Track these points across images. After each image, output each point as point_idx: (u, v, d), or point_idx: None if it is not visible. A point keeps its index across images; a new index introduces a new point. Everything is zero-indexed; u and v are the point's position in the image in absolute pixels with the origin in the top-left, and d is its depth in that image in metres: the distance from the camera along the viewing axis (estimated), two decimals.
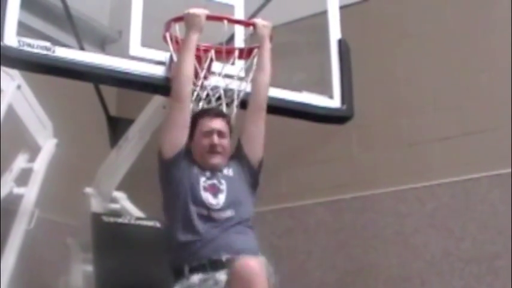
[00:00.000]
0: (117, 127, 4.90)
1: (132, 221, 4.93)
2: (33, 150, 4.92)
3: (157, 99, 4.38)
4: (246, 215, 3.29)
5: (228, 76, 3.78)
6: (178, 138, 3.25)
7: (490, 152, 5.20)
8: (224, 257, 3.09)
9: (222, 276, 3.05)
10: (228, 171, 3.35)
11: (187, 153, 3.32)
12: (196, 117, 3.41)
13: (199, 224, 3.17)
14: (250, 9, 4.31)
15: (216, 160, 3.33)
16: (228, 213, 3.22)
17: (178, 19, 3.57)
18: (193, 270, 3.10)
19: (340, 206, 5.70)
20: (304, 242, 5.73)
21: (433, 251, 5.26)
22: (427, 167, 5.45)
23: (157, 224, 4.93)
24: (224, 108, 3.70)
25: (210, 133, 3.34)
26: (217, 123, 3.38)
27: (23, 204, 4.65)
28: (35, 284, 5.53)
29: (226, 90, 3.74)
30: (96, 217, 4.85)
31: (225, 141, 3.37)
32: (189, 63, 3.32)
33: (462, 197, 5.25)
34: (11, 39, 3.52)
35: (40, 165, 4.85)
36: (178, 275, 3.15)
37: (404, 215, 5.44)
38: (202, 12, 3.42)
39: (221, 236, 3.16)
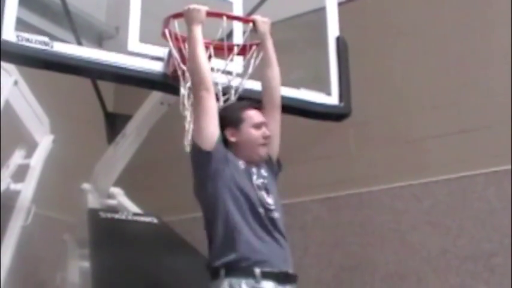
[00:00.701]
0: (114, 123, 4.90)
1: (129, 217, 4.92)
2: (30, 146, 4.92)
3: (155, 95, 4.38)
4: (283, 217, 3.27)
5: (227, 72, 3.77)
6: (213, 127, 3.16)
7: (486, 150, 5.21)
8: (289, 271, 3.13)
9: None
10: (265, 172, 3.29)
11: (227, 149, 3.24)
12: (239, 111, 3.33)
13: (267, 225, 3.13)
14: (249, 6, 4.30)
15: (266, 151, 3.30)
16: (276, 214, 3.18)
17: (177, 15, 3.57)
18: (265, 275, 3.03)
19: (337, 203, 5.71)
20: (301, 239, 5.73)
21: (429, 248, 5.27)
22: (424, 164, 5.46)
23: (154, 220, 4.94)
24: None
25: (260, 125, 3.29)
26: (263, 116, 3.34)
27: (20, 200, 4.65)
28: (31, 279, 5.54)
29: (224, 87, 3.73)
30: (93, 213, 4.85)
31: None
32: (203, 53, 3.28)
33: (459, 194, 5.26)
34: (10, 34, 3.52)
35: (37, 161, 4.85)
36: (243, 273, 3.03)
37: (401, 212, 5.45)
38: (202, 7, 3.42)
39: (281, 245, 3.15)
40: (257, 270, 3.02)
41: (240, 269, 3.04)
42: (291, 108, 4.07)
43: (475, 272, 5.07)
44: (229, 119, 3.27)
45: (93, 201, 5.07)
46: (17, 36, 3.54)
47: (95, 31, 6.64)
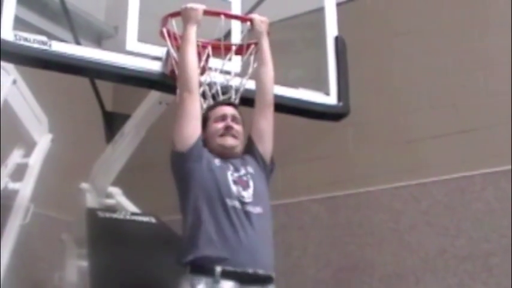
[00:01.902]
0: (113, 122, 4.90)
1: (128, 217, 4.92)
2: (29, 146, 4.92)
3: (154, 95, 4.38)
4: (269, 214, 3.27)
5: (226, 72, 3.77)
6: (192, 129, 3.20)
7: (485, 150, 5.21)
8: (259, 271, 3.07)
9: None
10: (250, 169, 3.30)
11: (205, 147, 3.27)
12: (207, 111, 3.42)
13: (235, 221, 3.10)
14: (247, 5, 4.30)
15: (231, 141, 3.30)
16: (257, 209, 3.18)
17: (175, 14, 3.57)
18: (225, 275, 3.00)
19: (336, 203, 5.71)
20: (299, 239, 5.74)
21: (427, 248, 5.27)
22: (422, 164, 5.46)
23: (153, 220, 4.93)
24: None
25: (223, 117, 3.33)
26: (230, 109, 3.39)
27: (18, 199, 4.65)
28: (29, 278, 5.54)
29: (223, 86, 3.73)
30: (92, 212, 4.84)
31: (240, 127, 3.36)
32: (192, 54, 3.31)
33: (457, 194, 5.26)
34: (8, 33, 3.51)
35: (35, 160, 4.85)
36: (203, 272, 3.02)
37: (399, 212, 5.45)
38: (199, 6, 3.43)
39: (254, 243, 3.09)
40: (218, 269, 3.00)
41: (201, 267, 3.03)
42: (289, 107, 4.07)
43: (473, 272, 5.07)
44: (202, 120, 3.31)
45: (91, 200, 5.06)
46: (15, 36, 3.53)
47: (94, 30, 6.63)
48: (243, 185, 3.21)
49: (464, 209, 5.21)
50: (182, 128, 3.21)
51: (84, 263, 4.79)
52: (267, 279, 3.12)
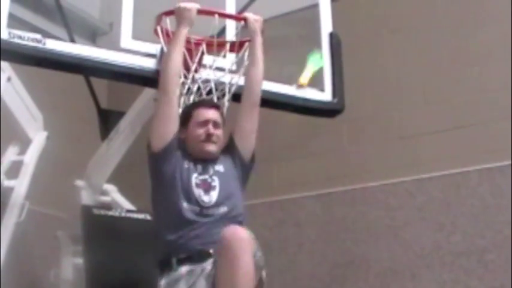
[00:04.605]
0: (108, 120, 4.90)
1: (123, 214, 4.92)
2: (24, 143, 4.90)
3: (148, 92, 4.38)
4: (238, 211, 3.29)
5: (220, 69, 3.77)
6: (166, 131, 3.24)
7: (480, 146, 5.21)
8: (212, 249, 3.09)
9: (208, 265, 3.06)
10: (219, 167, 3.33)
11: (180, 147, 3.31)
12: (190, 109, 3.42)
13: (190, 220, 3.17)
14: (242, 1, 4.30)
15: (211, 148, 3.32)
16: (221, 209, 3.22)
17: (169, 13, 3.57)
18: (180, 262, 3.11)
19: (331, 199, 5.71)
20: (294, 235, 5.74)
21: (423, 244, 5.28)
22: (417, 160, 5.46)
23: (148, 217, 4.91)
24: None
25: (205, 123, 3.34)
26: (212, 114, 3.39)
27: (14, 196, 4.63)
28: (25, 276, 5.53)
29: (217, 84, 3.73)
30: (87, 210, 4.84)
31: (220, 132, 3.37)
32: (177, 56, 3.33)
33: (452, 190, 5.27)
34: (2, 31, 3.50)
35: (30, 157, 4.83)
36: (165, 267, 3.15)
37: (394, 208, 5.46)
38: (193, 6, 3.43)
39: (210, 230, 3.15)
40: (173, 260, 3.11)
41: (165, 265, 3.16)
42: (284, 104, 4.08)
43: (468, 268, 5.08)
44: (181, 118, 3.34)
45: (86, 197, 5.06)
46: (9, 33, 3.52)
47: (88, 28, 6.60)
48: (205, 188, 3.24)
49: (460, 205, 5.22)
50: (156, 129, 3.26)
51: (80, 260, 4.80)
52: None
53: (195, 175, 3.26)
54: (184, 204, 3.18)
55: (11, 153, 4.89)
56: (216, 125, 3.36)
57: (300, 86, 4.09)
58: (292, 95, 4.13)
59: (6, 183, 4.71)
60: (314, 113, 4.26)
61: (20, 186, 4.69)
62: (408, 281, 5.27)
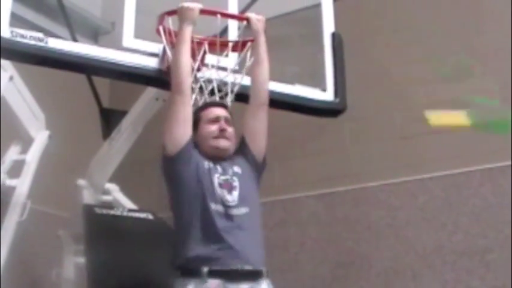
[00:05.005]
0: (109, 119, 4.90)
1: (125, 213, 4.92)
2: (26, 142, 4.90)
3: (150, 91, 4.38)
4: (257, 212, 3.27)
5: (222, 69, 3.77)
6: (182, 132, 3.19)
7: (482, 146, 5.21)
8: (246, 267, 3.06)
9: (244, 286, 3.05)
10: (237, 169, 3.29)
11: (195, 149, 3.26)
12: (197, 111, 3.39)
13: (219, 223, 3.11)
14: (244, 1, 4.30)
15: (225, 143, 3.29)
16: (243, 210, 3.18)
17: (171, 12, 3.57)
18: (212, 274, 3.02)
19: (333, 199, 5.71)
20: (296, 234, 5.74)
21: (425, 244, 5.28)
22: (419, 160, 5.46)
23: (150, 216, 4.93)
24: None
25: (216, 119, 3.32)
26: (222, 111, 3.37)
27: (15, 196, 4.64)
28: (27, 275, 5.54)
29: (220, 83, 3.73)
30: (89, 209, 4.84)
31: (232, 129, 3.34)
32: (186, 55, 3.31)
33: (454, 190, 5.27)
34: (4, 30, 3.50)
35: (32, 157, 4.83)
36: (191, 274, 3.05)
37: (396, 208, 5.46)
38: (195, 5, 3.43)
39: (240, 242, 3.09)
40: (204, 270, 3.02)
41: (190, 270, 3.06)
42: (286, 104, 4.07)
43: (470, 267, 5.08)
44: (193, 121, 3.28)
45: (88, 197, 5.06)
46: (12, 32, 3.52)
47: (91, 27, 6.62)
48: (228, 189, 3.20)
49: (462, 205, 5.22)
50: (172, 130, 3.20)
51: (81, 259, 4.80)
52: (257, 274, 3.11)
53: (216, 175, 3.21)
54: (211, 205, 3.13)
55: (13, 152, 4.90)
56: (227, 121, 3.34)
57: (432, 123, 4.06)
58: (294, 94, 4.13)
59: (8, 182, 4.71)
60: (316, 113, 4.26)
61: (21, 185, 4.69)
62: (410, 280, 5.27)
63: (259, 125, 3.39)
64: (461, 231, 5.17)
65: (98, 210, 4.84)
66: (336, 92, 4.23)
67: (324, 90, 4.22)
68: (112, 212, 4.89)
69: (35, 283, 5.66)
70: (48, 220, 5.54)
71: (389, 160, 5.56)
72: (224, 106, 3.46)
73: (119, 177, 5.17)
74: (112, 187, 5.23)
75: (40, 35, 3.60)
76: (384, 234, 5.45)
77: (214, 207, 3.13)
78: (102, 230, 4.70)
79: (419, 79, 5.59)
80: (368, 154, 5.69)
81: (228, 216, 3.14)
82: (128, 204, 5.15)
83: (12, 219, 4.55)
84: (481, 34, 5.43)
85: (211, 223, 3.10)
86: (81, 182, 5.09)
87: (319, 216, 5.75)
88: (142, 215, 4.93)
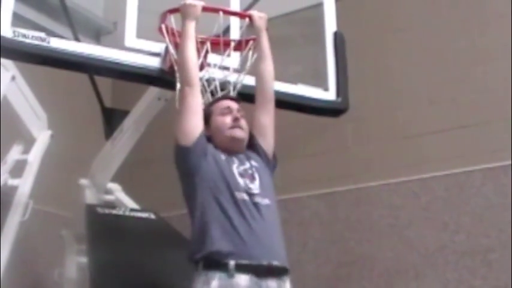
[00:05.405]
0: (112, 118, 4.90)
1: (127, 213, 4.91)
2: (28, 142, 4.91)
3: (153, 91, 4.38)
4: (276, 207, 3.24)
5: (224, 68, 3.77)
6: (194, 123, 3.18)
7: (484, 145, 5.21)
8: (274, 262, 3.03)
9: (273, 283, 3.02)
10: (254, 163, 3.28)
11: (209, 143, 3.25)
12: (208, 106, 3.39)
13: (245, 212, 3.07)
14: (246, 0, 4.30)
15: (241, 133, 3.29)
16: (266, 200, 3.15)
17: (173, 10, 3.57)
18: (240, 268, 2.96)
19: (335, 199, 5.71)
20: (298, 234, 5.73)
21: (427, 244, 5.28)
22: (421, 159, 5.46)
23: (152, 216, 4.93)
24: None
25: (229, 110, 3.32)
26: (233, 103, 3.37)
27: (18, 195, 4.64)
28: (29, 275, 5.54)
29: (222, 82, 3.73)
30: (91, 208, 4.84)
31: (245, 121, 3.33)
32: (192, 49, 3.31)
33: (456, 190, 5.26)
34: (6, 29, 3.50)
35: (34, 156, 4.84)
36: (216, 266, 2.98)
37: (398, 208, 5.46)
38: (198, 3, 3.44)
39: (266, 234, 3.06)
40: (231, 263, 2.95)
41: (215, 262, 2.98)
42: (288, 103, 4.07)
43: (472, 267, 5.08)
44: (204, 116, 3.28)
45: (90, 196, 5.06)
46: (14, 32, 3.52)
47: (93, 27, 6.62)
48: (249, 178, 3.19)
49: (464, 205, 5.22)
50: (185, 122, 3.19)
51: (84, 259, 4.79)
52: (283, 271, 3.10)
53: (235, 165, 3.20)
54: (236, 193, 3.10)
55: (15, 152, 4.90)
56: (239, 112, 3.33)
57: None
58: (296, 94, 4.13)
59: (10, 182, 4.72)
60: (318, 113, 4.26)
61: (24, 185, 4.70)
62: (412, 280, 5.26)
63: (267, 121, 3.40)
64: (463, 231, 5.17)
65: (100, 210, 4.84)
66: (338, 92, 4.22)
67: (326, 89, 4.22)
68: (114, 211, 4.88)
69: (37, 283, 5.67)
70: (50, 220, 5.55)
71: (391, 160, 5.56)
72: (235, 99, 3.46)
73: (121, 176, 5.17)
74: (114, 187, 5.23)
75: (42, 34, 3.60)
76: (386, 234, 5.45)
77: (239, 195, 3.10)
78: (105, 230, 4.69)
79: (422, 79, 5.59)
80: (370, 154, 5.69)
81: (254, 204, 3.11)
82: (130, 203, 5.15)
83: (14, 219, 4.55)
84: (484, 33, 5.43)
85: (237, 213, 3.06)
86: (84, 181, 5.09)
87: (321, 216, 5.75)
88: (144, 215, 4.93)
